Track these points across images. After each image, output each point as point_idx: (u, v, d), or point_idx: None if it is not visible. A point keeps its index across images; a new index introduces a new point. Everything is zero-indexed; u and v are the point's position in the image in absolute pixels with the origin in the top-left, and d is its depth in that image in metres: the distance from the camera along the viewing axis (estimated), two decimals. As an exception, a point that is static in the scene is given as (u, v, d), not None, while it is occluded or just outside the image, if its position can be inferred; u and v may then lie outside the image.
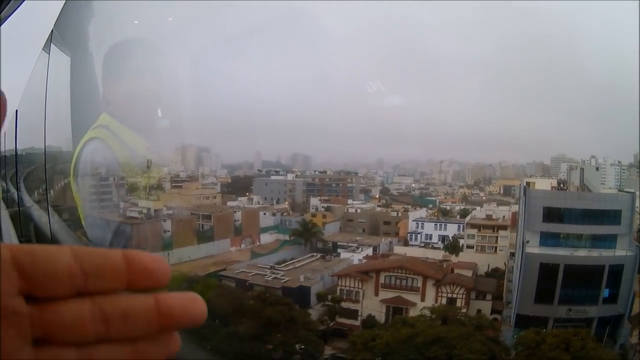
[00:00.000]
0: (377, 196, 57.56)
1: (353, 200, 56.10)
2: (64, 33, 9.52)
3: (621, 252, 31.80)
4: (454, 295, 37.11)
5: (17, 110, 10.83)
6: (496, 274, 41.26)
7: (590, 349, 26.00)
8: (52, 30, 9.06)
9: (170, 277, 0.88)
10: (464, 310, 35.10)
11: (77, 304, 0.84)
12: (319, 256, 47.27)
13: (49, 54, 9.09)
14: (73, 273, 0.83)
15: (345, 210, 53.40)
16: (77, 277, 0.84)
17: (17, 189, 13.97)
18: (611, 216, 32.88)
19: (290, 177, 57.78)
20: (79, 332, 0.85)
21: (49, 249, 0.83)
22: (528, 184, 39.44)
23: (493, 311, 36.02)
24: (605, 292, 31.13)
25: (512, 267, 38.81)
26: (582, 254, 32.52)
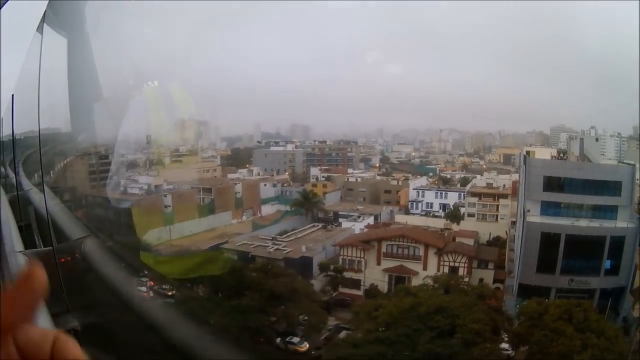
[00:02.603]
0: (377, 165, 57.58)
1: (353, 169, 56.12)
2: (59, 14, 9.35)
3: (622, 223, 31.66)
4: (456, 264, 37.13)
5: (13, 95, 10.70)
6: (498, 242, 41.23)
7: (593, 321, 25.93)
8: (45, 11, 8.90)
9: None
10: (466, 279, 35.09)
11: None
12: (320, 226, 47.30)
13: (42, 35, 8.95)
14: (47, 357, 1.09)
15: (346, 180, 53.42)
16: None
17: (16, 174, 13.90)
18: (612, 187, 32.73)
19: (290, 147, 57.71)
20: None
21: (39, 334, 1.10)
22: (528, 152, 39.26)
23: (495, 280, 36.02)
24: (606, 264, 31.07)
25: (514, 235, 38.77)
26: (583, 224, 32.40)
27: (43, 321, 3.24)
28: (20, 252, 5.31)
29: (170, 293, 32.99)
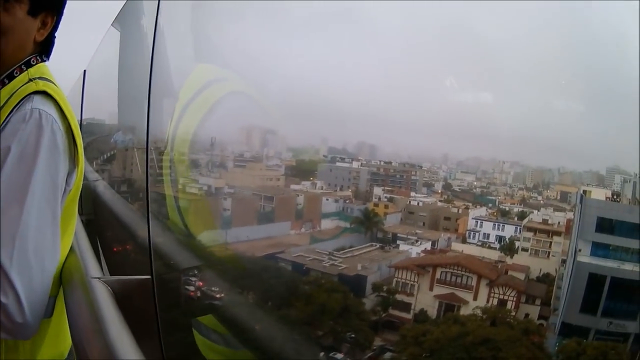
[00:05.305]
0: (440, 191, 56.55)
1: (416, 193, 55.27)
2: (126, 12, 9.55)
3: (662, 271, 30.87)
4: (505, 297, 36.68)
5: (85, 71, 10.57)
6: (547, 279, 40.45)
7: (624, 365, 25.42)
8: (122, 8, 8.99)
9: None
10: (513, 313, 34.62)
11: None
12: (378, 246, 46.76)
13: (119, 30, 9.03)
14: None
15: (408, 203, 52.69)
16: None
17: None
18: (658, 234, 31.93)
19: (355, 165, 56.88)
20: None
21: None
22: (585, 192, 38.51)
23: (540, 317, 35.44)
24: (642, 309, 30.32)
25: (562, 274, 38.02)
26: (628, 268, 31.74)
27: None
28: (97, 278, 2.85)
29: (218, 295, 33.21)
